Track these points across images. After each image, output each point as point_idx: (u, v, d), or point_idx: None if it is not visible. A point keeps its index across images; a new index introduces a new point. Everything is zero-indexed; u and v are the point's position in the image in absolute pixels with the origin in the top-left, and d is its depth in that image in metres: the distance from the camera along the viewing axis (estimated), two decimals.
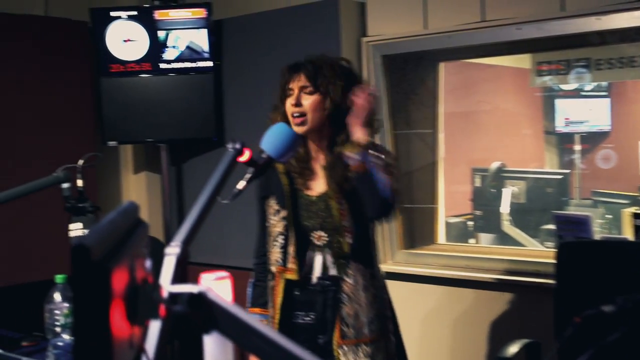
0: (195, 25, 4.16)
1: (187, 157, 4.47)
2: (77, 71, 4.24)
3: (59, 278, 2.49)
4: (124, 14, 4.14)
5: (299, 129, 2.45)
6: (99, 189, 4.22)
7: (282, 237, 2.56)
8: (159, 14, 4.14)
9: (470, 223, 4.98)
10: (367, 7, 3.85)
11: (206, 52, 4.18)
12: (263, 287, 2.65)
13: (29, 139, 4.06)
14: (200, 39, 4.17)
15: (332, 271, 2.51)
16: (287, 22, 3.97)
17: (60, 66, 4.17)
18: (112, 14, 4.13)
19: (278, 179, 2.58)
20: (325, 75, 2.47)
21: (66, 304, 2.51)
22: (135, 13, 4.14)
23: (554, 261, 2.95)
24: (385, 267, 3.83)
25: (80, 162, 2.80)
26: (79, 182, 2.79)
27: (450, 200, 4.40)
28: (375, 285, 2.54)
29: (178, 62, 4.20)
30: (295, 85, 2.50)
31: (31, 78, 4.07)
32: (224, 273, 1.89)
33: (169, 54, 4.19)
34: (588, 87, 4.99)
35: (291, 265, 2.53)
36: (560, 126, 5.39)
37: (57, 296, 2.50)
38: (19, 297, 3.78)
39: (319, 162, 2.56)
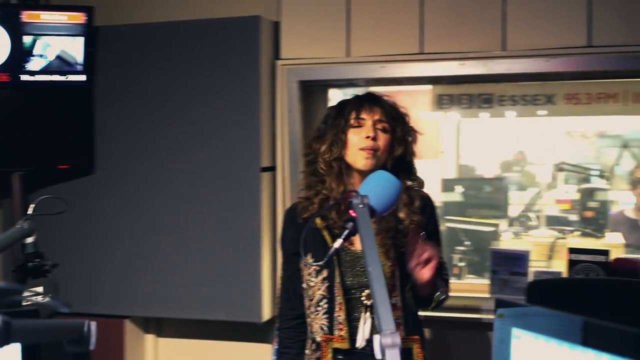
0: (70, 32, 3.47)
1: (47, 188, 3.71)
2: None
3: None
4: None
5: (367, 164, 2.18)
6: None
7: (326, 300, 2.21)
8: (27, 16, 3.39)
9: None
10: (282, 27, 3.53)
11: (80, 64, 3.52)
12: (292, 355, 2.31)
13: None
14: (75, 49, 3.50)
15: None
16: (190, 37, 3.47)
17: None
18: None
19: (317, 234, 2.23)
20: (399, 117, 2.21)
21: None
22: None
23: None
24: None
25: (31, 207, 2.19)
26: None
27: None
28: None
29: (44, 74, 3.47)
30: (370, 117, 2.20)
31: None
32: None
33: (34, 64, 3.45)
34: None
35: (340, 332, 2.20)
36: None
37: None
38: None
39: None
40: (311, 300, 2.25)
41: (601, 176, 5.09)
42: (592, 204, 4.33)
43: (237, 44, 3.40)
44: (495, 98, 3.78)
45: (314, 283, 2.24)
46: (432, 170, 4.89)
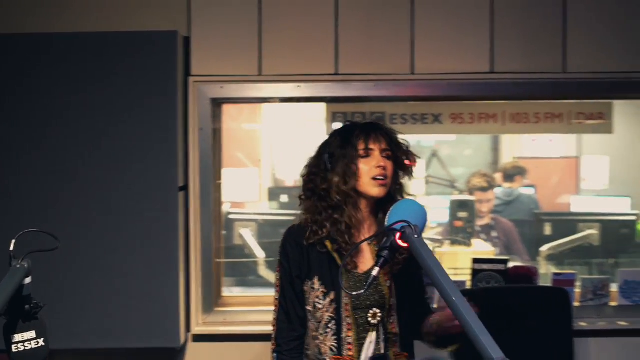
0: None
1: None
2: None
3: None
4: None
5: (381, 191, 2.29)
6: None
7: (334, 322, 2.28)
8: None
9: None
10: (192, 43, 3.45)
11: None
12: None
13: None
14: None
15: (382, 350, 2.31)
16: (101, 50, 3.29)
17: None
18: None
19: (325, 257, 2.30)
20: (399, 145, 2.31)
21: None
22: None
23: None
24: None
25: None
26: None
27: None
28: None
29: None
30: (377, 147, 2.30)
31: None
32: None
33: None
34: None
35: (348, 352, 2.28)
36: None
37: None
38: None
39: (363, 234, 2.33)
40: (319, 322, 2.31)
41: (454, 187, 5.49)
42: (461, 214, 4.64)
43: (152, 60, 3.28)
44: (387, 116, 3.96)
45: (322, 305, 2.29)
46: (251, 178, 5.08)
